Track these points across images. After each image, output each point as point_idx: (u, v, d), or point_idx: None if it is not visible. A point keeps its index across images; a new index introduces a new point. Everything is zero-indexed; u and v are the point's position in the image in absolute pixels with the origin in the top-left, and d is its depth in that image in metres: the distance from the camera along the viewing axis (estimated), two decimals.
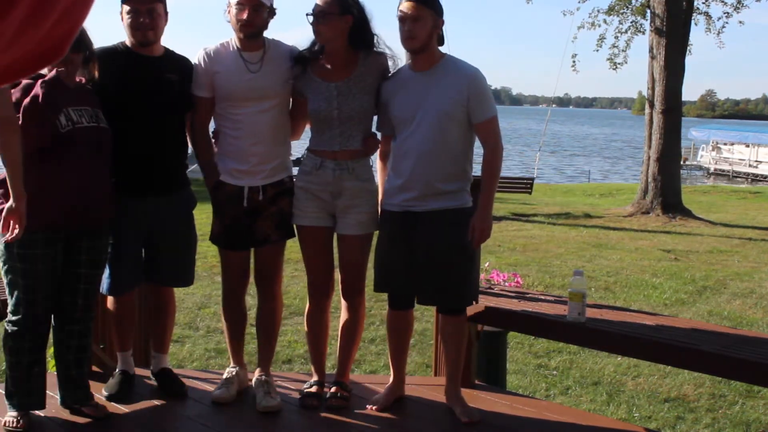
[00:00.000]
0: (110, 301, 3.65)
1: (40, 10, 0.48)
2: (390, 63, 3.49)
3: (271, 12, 3.46)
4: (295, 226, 3.59)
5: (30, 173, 3.03)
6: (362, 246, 3.55)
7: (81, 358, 3.38)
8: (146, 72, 3.42)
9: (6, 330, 3.20)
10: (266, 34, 3.51)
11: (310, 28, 3.37)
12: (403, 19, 3.29)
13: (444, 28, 3.40)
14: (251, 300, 3.84)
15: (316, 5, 3.34)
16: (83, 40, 3.18)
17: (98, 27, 3.47)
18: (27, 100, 3.01)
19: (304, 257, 3.64)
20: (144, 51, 3.44)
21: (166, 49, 3.55)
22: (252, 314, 3.86)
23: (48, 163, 3.09)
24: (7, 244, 3.08)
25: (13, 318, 3.16)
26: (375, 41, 3.44)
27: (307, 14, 3.34)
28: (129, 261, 3.53)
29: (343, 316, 3.68)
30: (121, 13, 3.38)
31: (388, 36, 3.46)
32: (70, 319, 3.31)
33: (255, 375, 3.71)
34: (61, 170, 3.11)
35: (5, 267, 3.14)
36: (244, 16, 3.35)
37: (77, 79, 3.27)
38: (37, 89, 3.04)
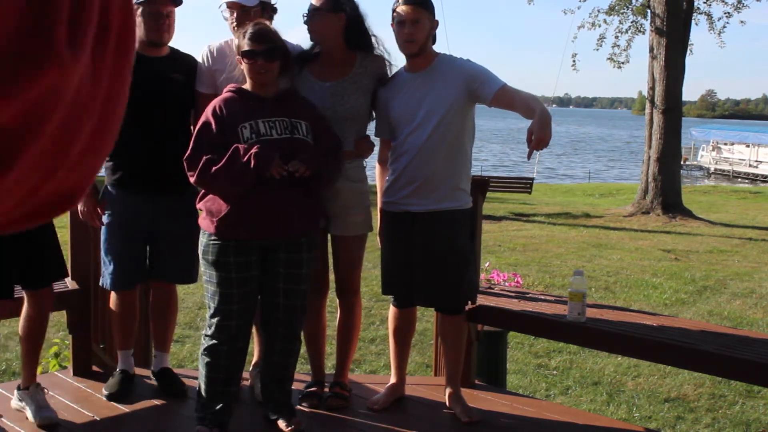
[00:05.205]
0: (112, 298, 3.67)
1: (51, 163, 0.48)
2: (387, 67, 3.47)
3: (268, 8, 3.45)
4: None
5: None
6: (356, 247, 3.55)
7: (282, 376, 3.30)
8: (152, 72, 3.42)
9: (204, 342, 3.13)
10: None
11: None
12: (403, 22, 3.27)
13: (439, 27, 3.40)
14: None
15: (310, 4, 3.35)
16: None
17: None
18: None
19: None
20: (149, 51, 3.44)
21: (171, 49, 3.56)
22: None
23: None
24: (204, 253, 3.05)
25: (210, 331, 3.09)
26: (374, 42, 3.43)
27: (302, 14, 3.35)
28: (132, 257, 3.55)
29: (339, 315, 3.69)
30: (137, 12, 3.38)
31: (383, 38, 3.46)
32: (274, 335, 3.23)
33: (252, 367, 3.75)
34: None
35: (204, 275, 3.09)
36: (234, 19, 3.38)
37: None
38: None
